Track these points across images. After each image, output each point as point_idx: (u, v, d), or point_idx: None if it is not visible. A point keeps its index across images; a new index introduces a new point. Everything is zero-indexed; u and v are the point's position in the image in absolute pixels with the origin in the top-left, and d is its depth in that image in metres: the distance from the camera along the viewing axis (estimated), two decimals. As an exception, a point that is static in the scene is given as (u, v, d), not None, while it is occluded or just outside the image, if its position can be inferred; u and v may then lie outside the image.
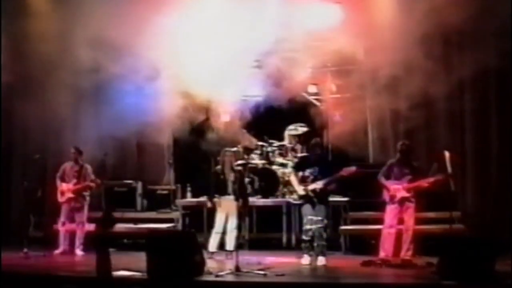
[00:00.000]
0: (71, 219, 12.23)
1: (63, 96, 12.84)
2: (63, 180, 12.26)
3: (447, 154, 10.50)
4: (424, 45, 11.75)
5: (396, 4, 12.12)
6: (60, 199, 12.22)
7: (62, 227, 12.20)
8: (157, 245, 9.73)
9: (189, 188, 13.32)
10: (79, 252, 12.13)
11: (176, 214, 13.05)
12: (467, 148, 12.44)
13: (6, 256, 10.93)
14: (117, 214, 13.15)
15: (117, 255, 12.08)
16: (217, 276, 9.67)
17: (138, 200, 13.62)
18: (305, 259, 10.89)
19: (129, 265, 10.12)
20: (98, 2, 12.17)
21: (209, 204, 11.60)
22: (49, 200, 12.69)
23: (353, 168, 10.74)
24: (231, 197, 11.33)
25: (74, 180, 12.17)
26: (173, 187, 13.49)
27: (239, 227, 11.03)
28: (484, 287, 8.91)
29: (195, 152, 13.32)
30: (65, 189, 12.19)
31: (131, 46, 12.00)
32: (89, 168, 12.28)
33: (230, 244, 11.35)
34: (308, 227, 10.83)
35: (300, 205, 11.06)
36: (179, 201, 13.16)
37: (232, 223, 11.29)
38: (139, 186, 13.66)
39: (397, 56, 11.58)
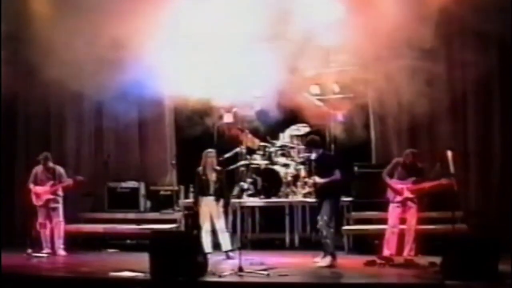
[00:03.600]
0: (50, 220, 12.22)
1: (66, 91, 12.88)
2: (35, 183, 12.26)
3: (449, 153, 10.49)
4: (427, 44, 11.73)
5: (399, 2, 12.08)
6: (36, 202, 12.20)
7: (43, 229, 12.17)
8: (160, 245, 9.73)
9: (191, 189, 13.31)
10: (61, 252, 12.12)
11: (179, 215, 13.06)
12: (470, 148, 12.44)
13: (10, 257, 10.97)
14: (120, 215, 13.34)
15: (121, 255, 12.23)
16: (220, 276, 9.69)
17: (141, 201, 13.64)
18: (318, 258, 10.82)
19: (132, 265, 10.13)
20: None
21: (195, 208, 11.74)
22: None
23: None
24: (212, 197, 11.49)
25: (51, 182, 12.18)
26: (176, 188, 13.47)
27: (242, 227, 11.01)
28: (487, 286, 8.91)
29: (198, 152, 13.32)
30: (41, 191, 12.17)
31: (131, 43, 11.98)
32: (61, 169, 12.33)
33: (225, 244, 11.46)
34: (318, 224, 10.82)
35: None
36: (182, 202, 13.16)
37: (220, 223, 11.47)
38: (142, 187, 13.69)
39: (400, 55, 11.58)
